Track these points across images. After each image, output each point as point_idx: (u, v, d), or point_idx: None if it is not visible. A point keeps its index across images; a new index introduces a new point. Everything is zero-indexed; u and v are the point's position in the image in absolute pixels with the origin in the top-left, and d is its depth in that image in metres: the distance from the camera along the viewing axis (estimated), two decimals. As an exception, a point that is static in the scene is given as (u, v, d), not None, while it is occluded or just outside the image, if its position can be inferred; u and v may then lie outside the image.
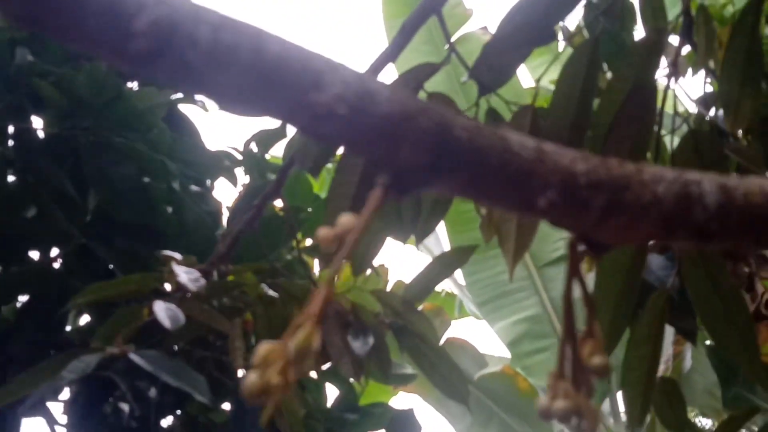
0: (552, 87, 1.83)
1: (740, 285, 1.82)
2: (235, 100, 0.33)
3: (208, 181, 2.48)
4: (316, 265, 2.37)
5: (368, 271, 2.43)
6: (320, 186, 2.81)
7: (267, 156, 2.55)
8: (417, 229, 1.44)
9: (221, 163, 2.54)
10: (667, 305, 1.40)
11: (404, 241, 1.49)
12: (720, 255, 1.41)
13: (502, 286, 4.17)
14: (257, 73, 0.32)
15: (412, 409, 2.22)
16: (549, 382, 0.49)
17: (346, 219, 0.38)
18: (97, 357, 1.36)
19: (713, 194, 0.44)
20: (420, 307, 4.61)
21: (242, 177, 2.56)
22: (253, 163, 2.57)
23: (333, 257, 0.39)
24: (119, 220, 2.16)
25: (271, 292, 1.76)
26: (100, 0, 0.30)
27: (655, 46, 1.37)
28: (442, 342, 4.11)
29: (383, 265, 3.03)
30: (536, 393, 4.07)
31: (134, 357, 1.37)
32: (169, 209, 2.28)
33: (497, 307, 4.13)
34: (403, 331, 1.67)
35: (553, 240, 4.05)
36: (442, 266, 1.69)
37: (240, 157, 2.52)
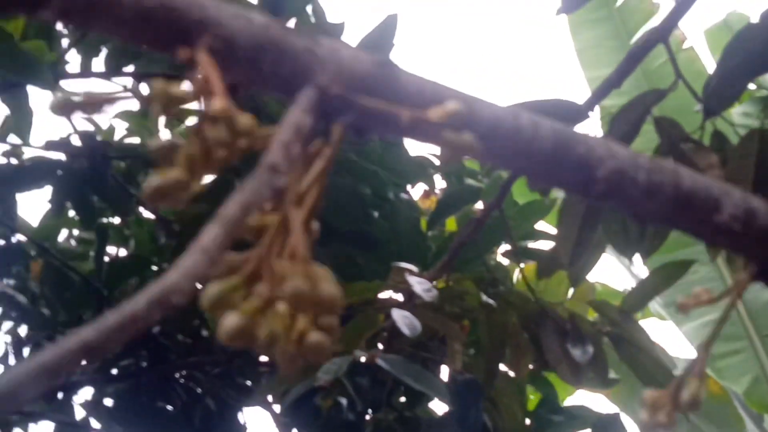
0: None
1: None
2: (656, 220, 0.44)
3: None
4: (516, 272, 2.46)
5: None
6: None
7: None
8: (642, 246, 1.52)
9: (424, 170, 2.69)
10: None
11: (630, 256, 1.56)
12: None
13: (690, 288, 4.11)
14: (675, 201, 0.43)
15: (617, 414, 2.28)
16: None
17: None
18: (348, 360, 1.52)
19: None
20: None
21: (439, 182, 2.72)
22: (453, 168, 2.71)
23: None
24: (336, 227, 2.34)
25: (490, 300, 1.87)
26: (572, 157, 0.42)
27: None
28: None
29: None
30: (728, 396, 4.01)
31: (381, 362, 1.52)
32: (376, 214, 2.45)
33: (686, 308, 4.08)
34: (620, 341, 1.74)
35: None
36: (660, 279, 1.75)
37: (438, 162, 2.66)
